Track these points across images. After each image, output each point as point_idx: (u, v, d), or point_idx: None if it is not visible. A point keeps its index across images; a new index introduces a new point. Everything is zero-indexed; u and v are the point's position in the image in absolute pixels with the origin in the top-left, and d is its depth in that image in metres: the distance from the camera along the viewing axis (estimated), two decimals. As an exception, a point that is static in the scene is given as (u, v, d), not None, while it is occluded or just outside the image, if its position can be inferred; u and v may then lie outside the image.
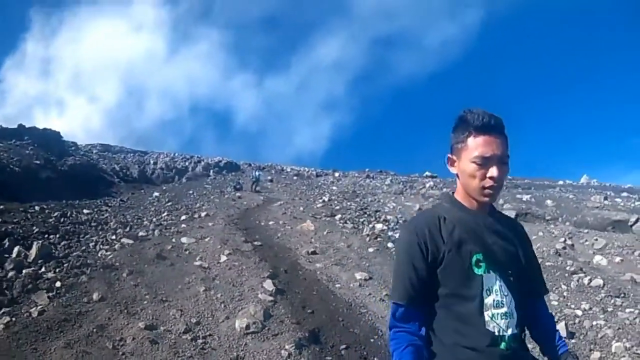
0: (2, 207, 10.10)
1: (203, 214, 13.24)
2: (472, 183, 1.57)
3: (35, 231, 8.60)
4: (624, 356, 4.85)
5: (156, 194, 19.51)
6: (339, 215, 13.44)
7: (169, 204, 16.35)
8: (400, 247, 1.66)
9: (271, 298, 5.74)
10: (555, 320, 1.84)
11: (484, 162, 1.53)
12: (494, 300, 1.55)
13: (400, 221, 12.89)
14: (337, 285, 6.77)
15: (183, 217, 12.47)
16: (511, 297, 1.57)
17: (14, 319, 4.46)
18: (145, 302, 5.31)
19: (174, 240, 9.03)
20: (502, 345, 1.52)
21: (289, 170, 33.29)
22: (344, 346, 4.62)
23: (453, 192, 1.70)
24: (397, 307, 1.58)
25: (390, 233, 10.85)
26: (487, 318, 1.53)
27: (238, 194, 21.17)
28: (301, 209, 15.17)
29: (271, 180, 28.56)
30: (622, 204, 15.28)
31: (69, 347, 3.94)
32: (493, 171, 1.52)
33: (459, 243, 1.56)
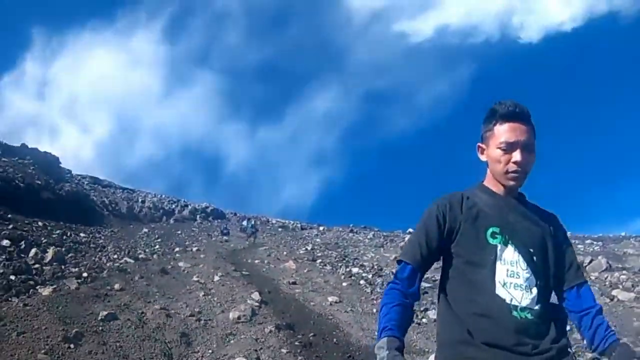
0: (10, 216, 11.17)
1: (194, 249, 14.45)
2: (497, 168, 1.60)
3: (43, 241, 9.71)
4: None
5: (145, 230, 20.57)
6: (320, 260, 14.71)
7: (159, 240, 17.46)
8: (421, 217, 1.69)
9: (257, 304, 7.00)
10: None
11: (508, 148, 1.56)
12: (508, 270, 1.53)
13: (375, 266, 14.19)
14: (312, 304, 8.03)
15: (176, 250, 13.65)
16: (531, 273, 1.54)
17: (57, 287, 5.71)
18: (156, 297, 6.56)
19: (172, 263, 10.26)
20: (514, 314, 1.48)
21: (274, 222, 34.45)
22: (312, 334, 5.91)
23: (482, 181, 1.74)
24: (405, 265, 1.61)
25: (364, 274, 12.13)
26: (498, 285, 1.52)
27: (225, 237, 22.37)
28: (285, 253, 16.41)
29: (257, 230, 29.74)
30: (582, 249, 16.80)
31: (107, 309, 5.19)
32: (517, 156, 1.55)
33: (476, 216, 1.61)
